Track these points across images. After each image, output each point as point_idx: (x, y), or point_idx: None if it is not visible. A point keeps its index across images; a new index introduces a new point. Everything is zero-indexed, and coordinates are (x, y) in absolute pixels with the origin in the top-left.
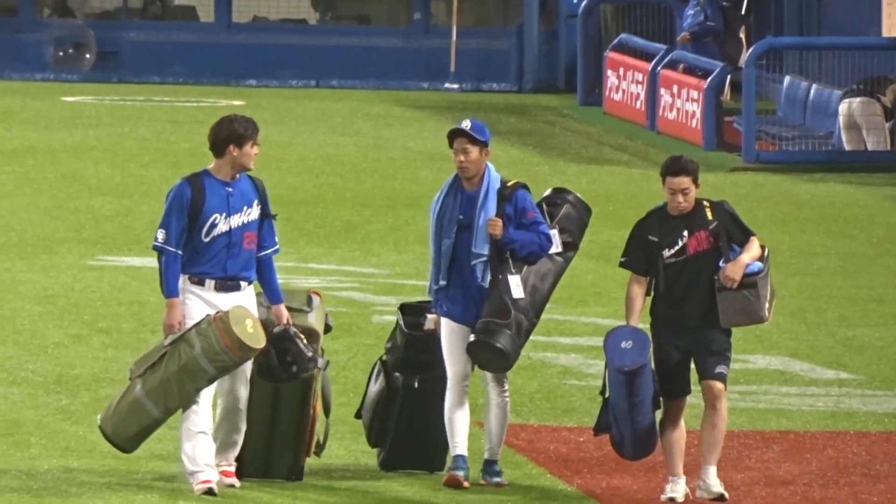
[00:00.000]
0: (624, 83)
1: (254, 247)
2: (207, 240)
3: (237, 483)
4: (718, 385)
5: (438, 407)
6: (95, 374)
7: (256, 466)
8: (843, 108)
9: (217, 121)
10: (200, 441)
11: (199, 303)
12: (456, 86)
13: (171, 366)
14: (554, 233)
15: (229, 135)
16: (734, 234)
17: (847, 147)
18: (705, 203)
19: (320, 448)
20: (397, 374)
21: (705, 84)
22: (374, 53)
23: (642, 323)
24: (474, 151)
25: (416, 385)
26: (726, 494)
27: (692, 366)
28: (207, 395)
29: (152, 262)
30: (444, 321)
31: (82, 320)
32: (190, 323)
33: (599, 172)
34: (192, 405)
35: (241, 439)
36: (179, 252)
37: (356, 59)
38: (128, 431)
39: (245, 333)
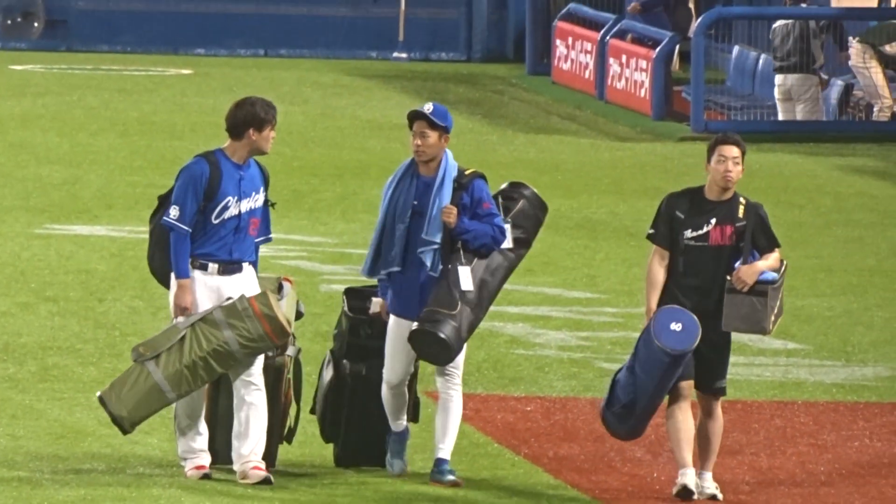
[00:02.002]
0: (573, 53)
1: (256, 233)
2: (217, 222)
3: (271, 477)
4: (714, 401)
5: None
6: (42, 343)
7: (228, 453)
8: (778, 80)
9: (236, 102)
10: (195, 429)
11: (201, 286)
12: (405, 55)
13: (196, 350)
14: (507, 227)
15: (249, 118)
16: (759, 239)
17: (781, 117)
18: (741, 200)
19: (291, 434)
20: (345, 361)
21: (654, 54)
22: (322, 22)
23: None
24: (433, 136)
25: (364, 372)
26: (720, 496)
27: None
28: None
29: (100, 230)
30: (392, 318)
31: (29, 288)
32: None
33: (548, 142)
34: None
35: (257, 430)
36: (188, 230)
37: (304, 29)
38: (140, 415)
39: (284, 318)
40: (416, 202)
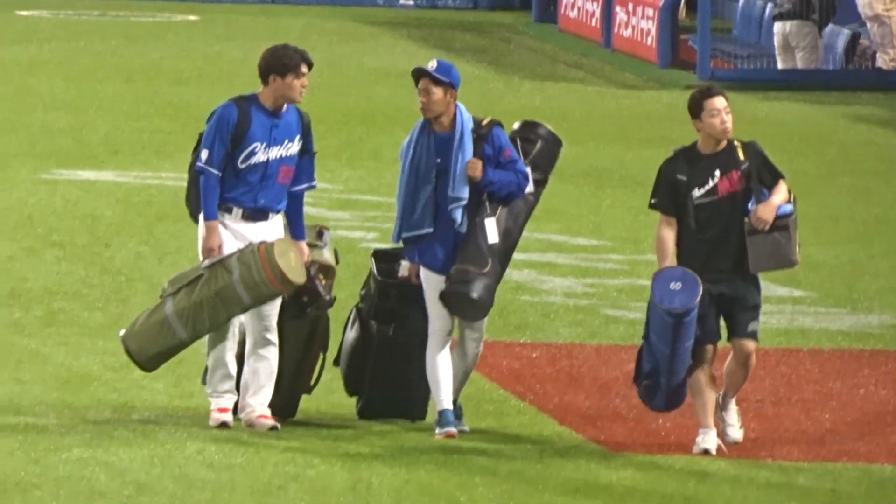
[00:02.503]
0: (579, 0)
1: (288, 181)
2: (243, 167)
3: (278, 425)
4: (751, 344)
5: (414, 357)
6: (48, 288)
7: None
8: (777, 28)
9: (268, 48)
10: (223, 369)
11: (225, 232)
12: (411, 2)
13: (205, 290)
14: (527, 171)
15: (272, 64)
16: (764, 175)
17: (780, 66)
18: (736, 143)
19: (312, 387)
20: (373, 322)
21: (661, 2)
22: None
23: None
24: (438, 93)
25: (391, 334)
26: (739, 435)
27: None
28: (236, 326)
29: (106, 176)
30: (424, 272)
31: (35, 234)
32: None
33: (554, 90)
34: (221, 332)
35: (266, 382)
36: (218, 173)
37: None
38: (151, 350)
39: (288, 267)
40: (438, 160)
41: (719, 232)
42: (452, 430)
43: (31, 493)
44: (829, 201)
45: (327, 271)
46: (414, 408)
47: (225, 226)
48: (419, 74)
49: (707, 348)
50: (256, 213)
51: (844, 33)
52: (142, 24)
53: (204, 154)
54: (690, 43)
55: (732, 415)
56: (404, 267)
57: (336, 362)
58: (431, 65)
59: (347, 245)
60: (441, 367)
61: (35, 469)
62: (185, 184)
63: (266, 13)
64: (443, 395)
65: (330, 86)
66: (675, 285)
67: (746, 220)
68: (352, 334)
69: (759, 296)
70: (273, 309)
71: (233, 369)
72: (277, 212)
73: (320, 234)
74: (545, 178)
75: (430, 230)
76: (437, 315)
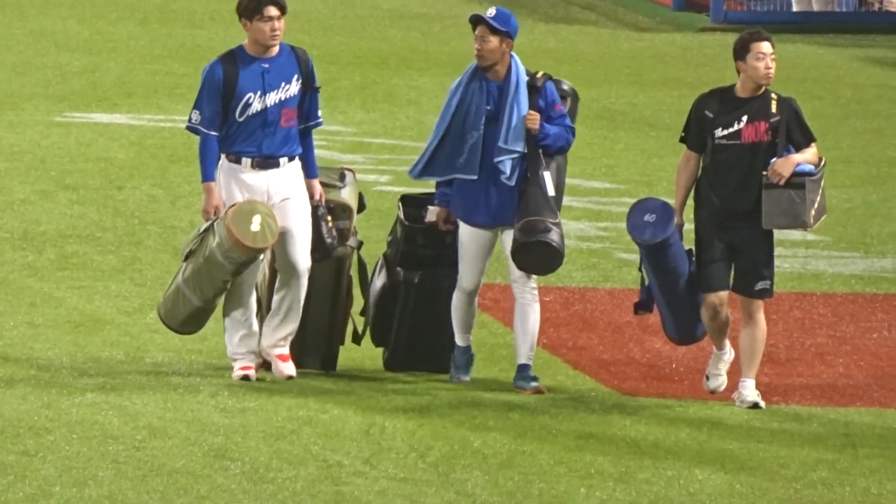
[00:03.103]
0: None
1: (293, 123)
2: (242, 119)
3: (294, 374)
4: (758, 301)
5: (441, 304)
6: (61, 231)
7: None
8: None
9: None
10: (242, 330)
11: (238, 180)
12: None
13: (200, 257)
14: None
15: (240, 8)
16: (794, 134)
17: (795, 8)
18: (773, 95)
19: (359, 337)
20: (398, 268)
21: None
22: None
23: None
24: (494, 41)
25: (417, 281)
26: (762, 404)
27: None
28: (252, 280)
29: (120, 118)
30: (464, 227)
31: (49, 176)
32: (228, 202)
33: (568, 32)
34: (236, 291)
35: (294, 319)
36: (214, 133)
37: None
38: (177, 317)
39: (245, 232)
40: (489, 107)
41: (738, 179)
42: (465, 378)
43: (43, 436)
44: (843, 143)
45: (343, 211)
46: (440, 358)
47: (237, 178)
48: (476, 21)
49: (715, 296)
50: (265, 161)
51: None
52: None
53: (194, 115)
54: None
55: (752, 394)
56: (431, 212)
57: (362, 312)
58: (490, 12)
59: (361, 188)
60: (464, 318)
61: (47, 413)
62: None
63: None
64: (461, 335)
65: (343, 27)
66: (650, 217)
67: (764, 173)
68: (378, 282)
69: (771, 250)
70: (298, 250)
71: (254, 327)
72: (291, 157)
73: (343, 176)
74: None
75: (475, 177)
76: (466, 271)
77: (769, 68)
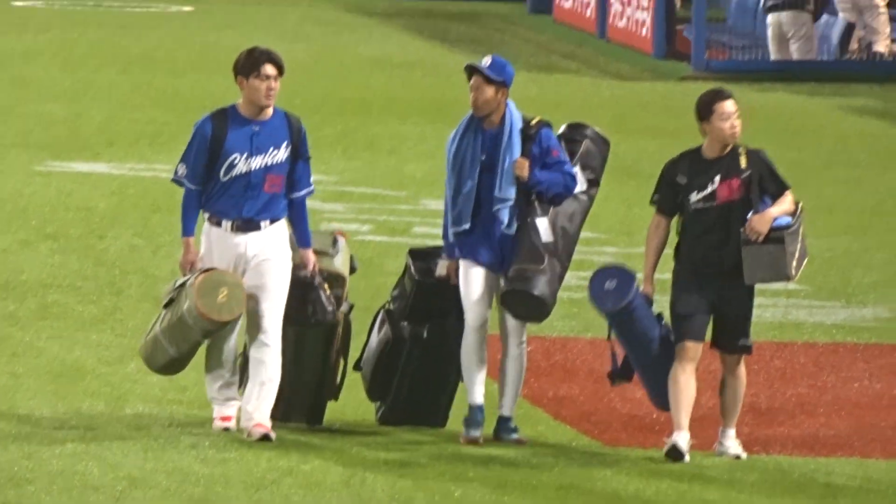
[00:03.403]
0: None
1: (278, 189)
2: (225, 179)
3: (272, 434)
4: (737, 359)
5: (447, 357)
6: (43, 280)
7: (279, 409)
8: (771, 19)
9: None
10: (221, 380)
11: (218, 243)
12: None
13: (175, 312)
14: (577, 171)
15: (237, 66)
16: (768, 185)
17: (773, 57)
18: (740, 150)
19: (337, 391)
20: (404, 323)
21: None
22: None
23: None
24: (489, 91)
25: (425, 335)
26: (743, 454)
27: (710, 318)
28: (235, 332)
29: (101, 167)
30: (464, 263)
31: (30, 226)
32: (206, 263)
33: (549, 80)
34: (219, 339)
35: (265, 389)
36: (197, 188)
37: None
38: (156, 362)
39: (210, 305)
40: (483, 157)
41: (718, 237)
42: (476, 434)
43: (24, 487)
44: (825, 193)
45: (336, 280)
46: (437, 415)
47: (220, 238)
48: (471, 71)
49: (688, 345)
50: (245, 224)
51: (839, 23)
52: (137, 13)
53: (180, 168)
54: (685, 33)
55: (733, 444)
56: (442, 265)
57: (357, 367)
58: (485, 61)
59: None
60: (475, 359)
61: (28, 464)
62: None
63: (262, 3)
64: (476, 390)
65: (325, 75)
66: (610, 284)
67: (742, 229)
68: (379, 337)
69: (751, 304)
70: (270, 311)
71: (233, 375)
72: (272, 220)
73: (335, 241)
74: (597, 179)
75: (468, 226)
76: (472, 306)
77: (734, 127)
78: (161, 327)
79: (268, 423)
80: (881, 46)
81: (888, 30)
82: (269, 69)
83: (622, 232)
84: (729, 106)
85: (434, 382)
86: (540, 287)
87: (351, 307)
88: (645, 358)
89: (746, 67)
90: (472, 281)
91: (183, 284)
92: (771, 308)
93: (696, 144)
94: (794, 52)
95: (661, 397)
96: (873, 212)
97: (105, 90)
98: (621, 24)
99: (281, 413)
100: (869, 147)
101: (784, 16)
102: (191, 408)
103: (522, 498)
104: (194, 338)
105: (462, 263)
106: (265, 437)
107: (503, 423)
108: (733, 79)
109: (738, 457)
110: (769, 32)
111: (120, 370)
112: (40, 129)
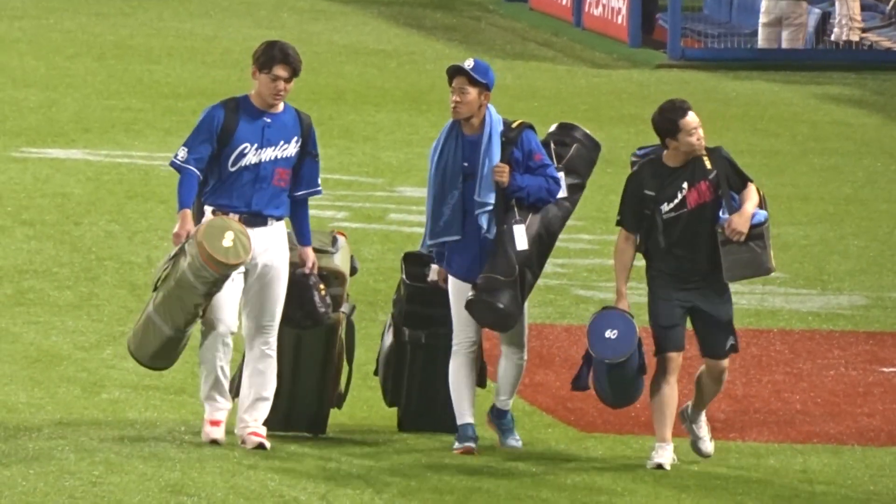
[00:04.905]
0: None
1: (285, 184)
2: (233, 170)
3: (267, 443)
4: (726, 362)
5: (448, 364)
6: (18, 266)
7: (277, 417)
8: (767, 5)
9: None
10: (216, 381)
11: None
12: None
13: (170, 280)
14: (561, 176)
15: (255, 57)
16: (733, 181)
17: (760, 44)
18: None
19: (341, 399)
20: (405, 328)
21: None
22: None
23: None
24: (472, 92)
25: (424, 340)
26: (710, 448)
27: (688, 322)
28: (228, 336)
29: (76, 154)
30: (451, 280)
31: (5, 212)
32: None
33: (524, 68)
34: (212, 341)
35: (261, 396)
36: (197, 172)
37: None
38: (147, 350)
39: (218, 248)
40: (465, 164)
41: (690, 243)
42: (471, 445)
43: (0, 472)
44: (800, 181)
45: (335, 277)
46: (450, 417)
47: None
48: (455, 72)
49: (671, 356)
50: (253, 218)
51: (815, 12)
52: (112, 1)
53: (182, 152)
54: (661, 22)
55: (703, 428)
56: (434, 271)
57: (376, 372)
58: (468, 63)
59: (317, 224)
60: (463, 379)
61: (4, 448)
62: (155, 162)
63: None
64: (464, 408)
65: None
66: (612, 333)
67: (720, 229)
68: (386, 341)
69: (730, 304)
70: (272, 321)
71: (225, 379)
72: (278, 217)
73: (334, 240)
74: (583, 184)
75: (458, 237)
76: (461, 325)
77: (700, 138)
78: (154, 305)
79: (263, 430)
80: (854, 35)
81: (860, 17)
82: (281, 71)
83: (598, 219)
84: (692, 118)
85: (442, 387)
86: (506, 300)
87: (353, 308)
88: (616, 391)
89: (722, 56)
90: (458, 300)
91: (179, 252)
92: (747, 295)
93: (653, 143)
94: (785, 39)
95: (618, 401)
96: (849, 200)
97: (80, 77)
98: (597, 12)
99: (280, 422)
100: (844, 135)
101: (783, 4)
102: (167, 393)
103: (498, 484)
104: (194, 300)
105: (452, 281)
106: (260, 446)
107: (500, 415)
108: (709, 67)
109: (707, 455)
110: (761, 19)
111: (96, 356)
112: (16, 115)
